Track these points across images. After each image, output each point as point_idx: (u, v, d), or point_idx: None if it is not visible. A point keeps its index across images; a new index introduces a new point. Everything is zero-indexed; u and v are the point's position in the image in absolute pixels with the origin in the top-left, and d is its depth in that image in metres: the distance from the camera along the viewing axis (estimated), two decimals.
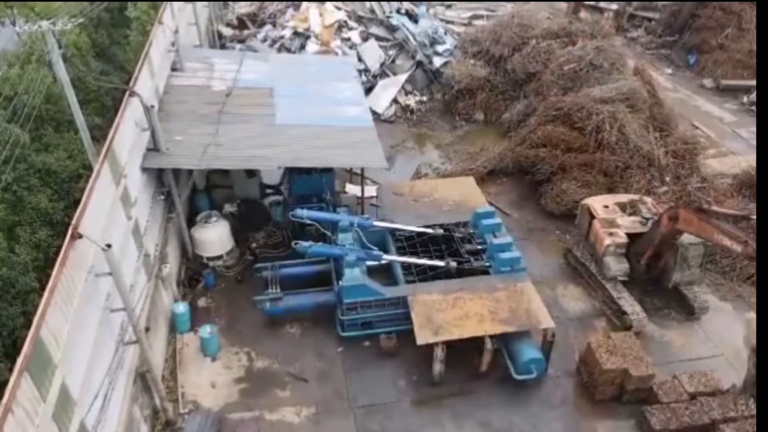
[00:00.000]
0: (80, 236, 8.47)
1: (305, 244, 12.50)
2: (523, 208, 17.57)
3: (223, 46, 25.95)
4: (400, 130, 21.74)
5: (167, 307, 13.17)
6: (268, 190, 17.19)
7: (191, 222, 15.12)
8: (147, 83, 14.18)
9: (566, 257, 15.40)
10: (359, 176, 18.76)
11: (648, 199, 14.79)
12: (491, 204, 17.41)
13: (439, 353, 11.62)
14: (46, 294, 7.34)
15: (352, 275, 12.32)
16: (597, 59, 18.32)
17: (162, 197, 13.70)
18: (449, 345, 11.85)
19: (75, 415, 7.75)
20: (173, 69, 17.13)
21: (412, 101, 22.74)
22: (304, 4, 26.34)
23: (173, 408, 11.52)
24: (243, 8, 29.42)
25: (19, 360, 6.60)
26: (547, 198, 16.94)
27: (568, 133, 16.95)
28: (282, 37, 25.22)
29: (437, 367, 11.85)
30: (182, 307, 13.19)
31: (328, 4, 26.58)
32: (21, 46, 15.19)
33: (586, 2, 26.25)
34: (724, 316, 13.96)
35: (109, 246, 8.73)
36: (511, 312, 12.18)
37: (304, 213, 13.21)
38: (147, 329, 11.46)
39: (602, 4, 29.46)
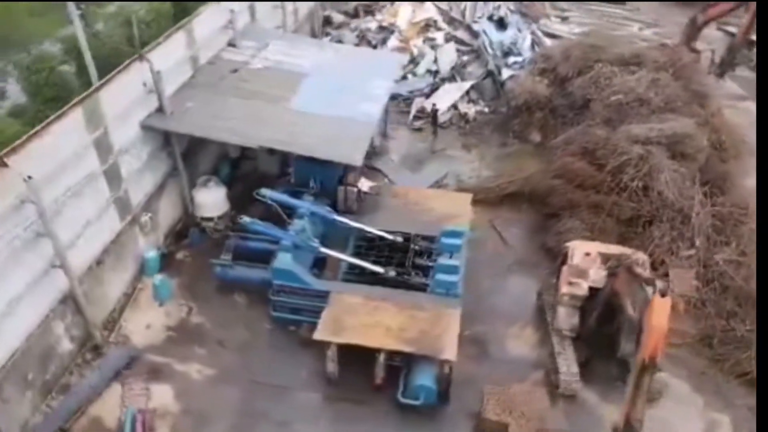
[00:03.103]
0: (6, 165, 10.05)
1: (248, 219, 13.19)
2: (527, 239, 16.44)
3: (325, 33, 27.37)
4: (448, 137, 21.33)
5: (141, 251, 14.73)
6: (289, 169, 18.12)
7: None
8: (179, 51, 15.77)
9: (538, 299, 14.21)
10: (377, 172, 19.10)
11: (643, 257, 13.00)
12: (494, 228, 16.66)
13: (329, 353, 11.65)
14: None
15: (283, 259, 12.75)
16: (647, 94, 16.27)
17: (164, 154, 15.23)
18: (360, 350, 11.77)
19: None
20: (230, 44, 18.70)
21: (471, 110, 22.14)
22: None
23: (103, 335, 13.02)
24: None
25: None
26: (550, 233, 15.68)
27: (585, 168, 15.45)
28: (369, 30, 25.97)
29: (330, 367, 11.89)
30: (152, 253, 14.67)
31: (428, 3, 26.76)
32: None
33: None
34: (686, 409, 11.94)
35: (29, 177, 10.24)
36: (420, 334, 11.73)
37: (268, 193, 13.87)
38: (99, 262, 13.10)
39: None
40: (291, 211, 14.11)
